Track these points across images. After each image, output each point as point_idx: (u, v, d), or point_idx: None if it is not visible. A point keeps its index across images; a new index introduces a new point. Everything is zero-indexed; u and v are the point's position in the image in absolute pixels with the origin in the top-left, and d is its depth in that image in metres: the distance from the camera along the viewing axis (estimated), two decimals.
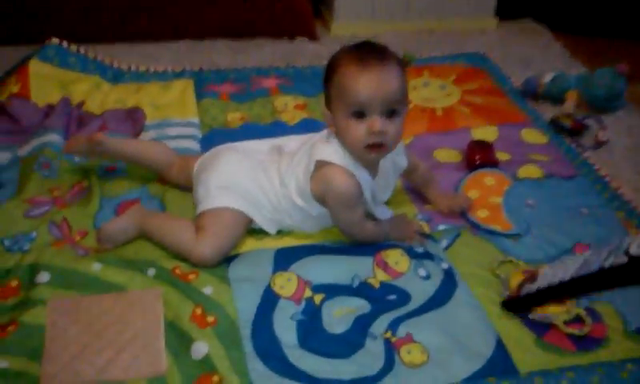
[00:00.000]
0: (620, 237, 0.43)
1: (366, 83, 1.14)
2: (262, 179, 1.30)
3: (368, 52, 1.17)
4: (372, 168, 1.27)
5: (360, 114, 1.16)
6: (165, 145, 1.50)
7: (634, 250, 0.43)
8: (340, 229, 1.30)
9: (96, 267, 1.22)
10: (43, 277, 1.18)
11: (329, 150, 1.23)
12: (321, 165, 1.23)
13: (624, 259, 0.43)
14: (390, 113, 1.17)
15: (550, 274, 0.52)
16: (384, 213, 1.33)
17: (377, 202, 1.31)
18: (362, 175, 1.23)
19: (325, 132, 1.28)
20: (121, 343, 1.10)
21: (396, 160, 1.32)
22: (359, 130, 1.17)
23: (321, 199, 1.25)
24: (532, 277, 0.53)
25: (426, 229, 1.37)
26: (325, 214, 1.28)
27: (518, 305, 0.54)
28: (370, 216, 1.31)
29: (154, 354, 1.08)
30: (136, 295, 1.19)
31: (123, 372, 1.05)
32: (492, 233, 1.36)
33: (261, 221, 1.30)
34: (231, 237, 1.26)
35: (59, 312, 1.14)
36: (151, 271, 1.22)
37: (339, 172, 1.21)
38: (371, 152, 1.20)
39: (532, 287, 0.53)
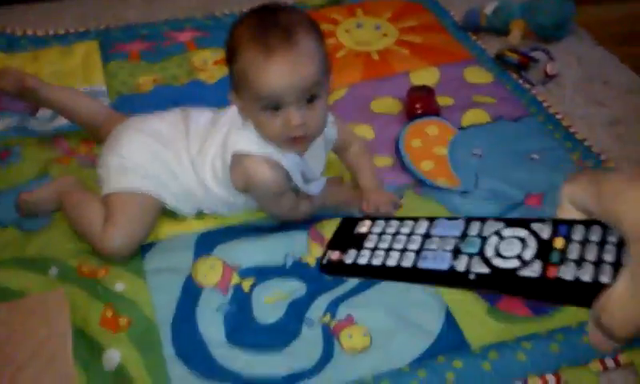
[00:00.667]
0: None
1: (276, 74, 0.95)
2: (170, 161, 1.14)
3: (272, 30, 0.95)
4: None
5: (274, 107, 0.98)
6: (100, 101, 1.36)
7: (493, 258, 0.35)
8: (272, 217, 1.17)
9: None
10: None
11: (245, 139, 1.06)
12: (239, 157, 1.06)
13: (484, 270, 0.35)
14: (310, 98, 0.99)
15: (381, 246, 0.42)
16: (317, 187, 1.18)
17: (309, 180, 1.16)
18: (289, 158, 1.07)
19: (235, 111, 1.10)
20: (22, 360, 0.95)
21: (325, 132, 1.14)
22: (275, 125, 1.00)
23: (245, 191, 1.11)
24: (357, 238, 0.44)
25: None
26: (251, 199, 1.14)
27: (338, 270, 0.45)
28: (303, 194, 1.15)
29: (60, 369, 0.95)
30: (37, 299, 1.04)
31: None
32: (438, 189, 1.25)
33: (174, 204, 1.15)
34: (140, 223, 1.11)
35: None
36: (54, 270, 1.07)
37: (261, 163, 1.05)
38: (294, 145, 1.04)
39: (360, 258, 0.43)
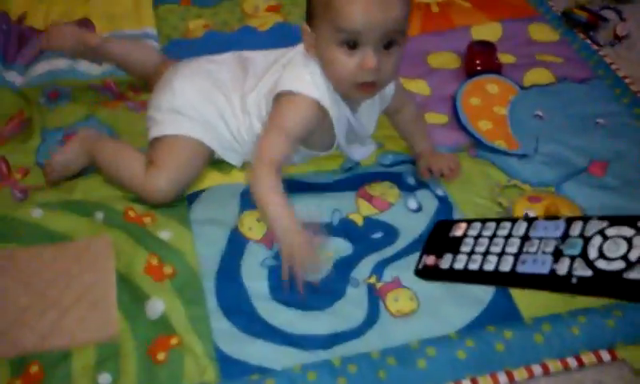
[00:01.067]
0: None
1: (364, 7, 0.89)
2: (221, 104, 1.10)
3: None
4: (355, 102, 1.06)
5: (352, 44, 0.93)
6: (151, 46, 1.35)
7: (597, 260, 0.31)
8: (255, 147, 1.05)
9: (36, 213, 1.06)
10: None
11: (298, 79, 1.00)
12: (284, 96, 1.01)
13: (587, 273, 0.31)
14: (388, 44, 0.94)
15: (479, 250, 0.39)
16: (361, 154, 1.13)
17: (353, 140, 1.10)
18: (342, 111, 1.02)
19: (301, 48, 1.05)
20: (66, 303, 0.95)
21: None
22: (349, 64, 0.94)
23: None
24: (453, 242, 0.42)
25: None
26: (297, 152, 1.09)
27: (434, 275, 0.43)
28: (343, 154, 1.11)
29: (103, 314, 0.94)
30: (82, 245, 1.03)
31: (69, 338, 0.91)
32: (495, 151, 1.19)
33: (222, 152, 1.12)
34: (187, 168, 1.09)
35: None
36: (99, 215, 1.06)
37: (304, 103, 1.00)
38: (361, 91, 0.98)
39: (457, 263, 0.41)
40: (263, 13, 1.53)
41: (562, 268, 0.34)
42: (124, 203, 1.08)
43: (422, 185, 1.13)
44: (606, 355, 0.92)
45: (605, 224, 0.35)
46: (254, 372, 0.88)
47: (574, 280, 0.33)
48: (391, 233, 1.05)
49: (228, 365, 0.88)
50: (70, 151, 1.12)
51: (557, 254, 0.35)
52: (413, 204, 1.09)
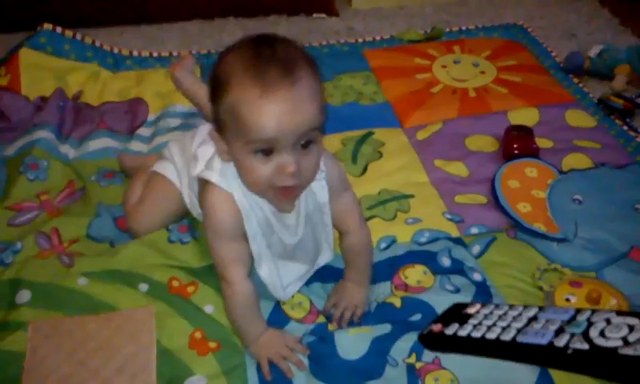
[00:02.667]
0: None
1: (274, 115, 0.81)
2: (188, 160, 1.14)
3: (270, 63, 0.81)
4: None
5: (267, 152, 0.84)
6: None
7: (595, 337, 0.31)
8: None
9: (82, 282, 1.08)
10: (24, 296, 1.05)
11: (213, 162, 0.96)
12: (204, 184, 0.97)
13: (584, 346, 0.31)
14: (306, 143, 0.85)
15: (485, 323, 0.39)
16: (291, 273, 1.06)
17: (286, 253, 1.02)
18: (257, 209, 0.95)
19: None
20: (107, 374, 0.96)
21: (313, 188, 0.97)
22: (265, 171, 0.86)
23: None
24: (463, 317, 0.42)
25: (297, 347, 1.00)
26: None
27: (438, 343, 0.42)
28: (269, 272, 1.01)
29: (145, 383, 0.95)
30: (125, 316, 1.05)
31: None
32: (535, 234, 1.19)
33: (187, 200, 1.17)
34: (160, 208, 1.19)
35: (40, 337, 1.01)
36: (143, 286, 1.08)
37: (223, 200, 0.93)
38: (281, 197, 0.90)
39: (461, 331, 0.40)
40: None
41: (561, 341, 0.35)
42: (168, 273, 1.10)
43: (457, 268, 1.13)
44: None
45: (613, 314, 0.35)
46: None
47: (569, 351, 0.34)
48: (429, 312, 1.05)
49: None
50: (133, 162, 1.35)
51: (559, 331, 0.36)
52: (450, 287, 1.09)
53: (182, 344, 0.99)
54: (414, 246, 1.17)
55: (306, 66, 0.84)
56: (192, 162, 1.07)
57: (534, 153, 1.37)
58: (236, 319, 0.99)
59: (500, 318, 0.41)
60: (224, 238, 0.94)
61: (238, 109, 0.82)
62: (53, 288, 1.07)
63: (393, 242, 1.19)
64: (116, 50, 1.73)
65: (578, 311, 0.36)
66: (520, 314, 0.40)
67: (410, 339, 1.00)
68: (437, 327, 0.43)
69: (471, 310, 0.44)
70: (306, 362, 0.97)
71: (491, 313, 0.42)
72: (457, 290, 1.08)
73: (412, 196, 1.29)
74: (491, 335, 0.40)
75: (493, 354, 0.41)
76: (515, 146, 1.36)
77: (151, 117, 1.51)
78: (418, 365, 0.97)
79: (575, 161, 1.37)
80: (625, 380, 0.33)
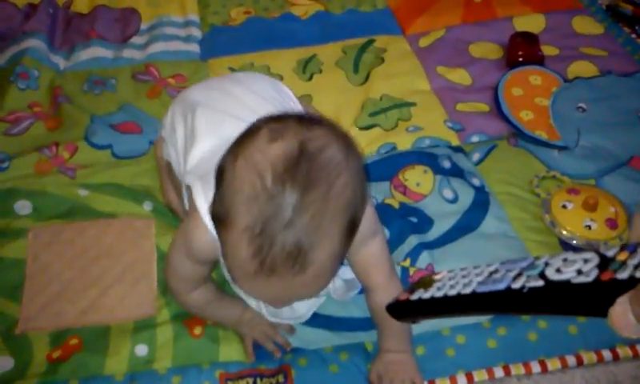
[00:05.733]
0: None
1: (267, 292, 0.66)
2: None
3: (277, 245, 0.60)
4: None
5: None
6: None
7: (551, 274, 0.31)
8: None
9: (83, 193, 1.09)
10: (24, 207, 1.06)
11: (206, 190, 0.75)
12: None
13: (539, 283, 0.31)
14: None
15: (449, 284, 0.39)
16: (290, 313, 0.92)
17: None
18: None
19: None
20: (108, 280, 0.98)
21: None
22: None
23: None
24: (428, 282, 0.42)
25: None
26: None
27: (404, 310, 0.43)
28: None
29: (143, 293, 0.97)
30: (125, 223, 1.06)
31: (108, 314, 0.94)
32: (536, 141, 1.18)
33: None
34: None
35: (41, 244, 1.03)
36: (148, 205, 1.08)
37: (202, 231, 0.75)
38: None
39: (425, 294, 0.41)
40: (305, 1, 1.54)
41: (518, 284, 0.34)
42: None
43: (456, 170, 1.12)
44: (607, 354, 0.90)
45: (570, 253, 0.35)
46: (286, 353, 0.89)
47: (525, 290, 0.33)
48: (425, 221, 1.05)
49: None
50: None
51: (517, 276, 0.35)
52: (448, 193, 1.09)
53: None
54: (415, 150, 1.17)
55: (329, 239, 0.62)
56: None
57: (539, 60, 1.33)
58: (203, 316, 0.90)
59: (463, 277, 0.41)
60: (191, 260, 0.79)
61: (230, 265, 0.65)
62: (54, 198, 1.08)
63: (393, 148, 1.18)
64: None
65: (537, 257, 0.36)
66: (482, 270, 0.40)
67: (407, 243, 1.01)
68: (403, 296, 0.43)
69: (437, 277, 0.44)
70: (291, 341, 0.91)
71: (455, 275, 0.42)
72: (455, 199, 1.08)
73: (414, 104, 1.27)
74: (452, 292, 0.40)
75: (456, 310, 0.41)
76: (520, 53, 1.33)
77: (144, 26, 1.47)
78: (412, 270, 0.98)
79: (581, 68, 1.33)
80: (580, 309, 0.33)
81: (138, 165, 1.14)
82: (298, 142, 0.61)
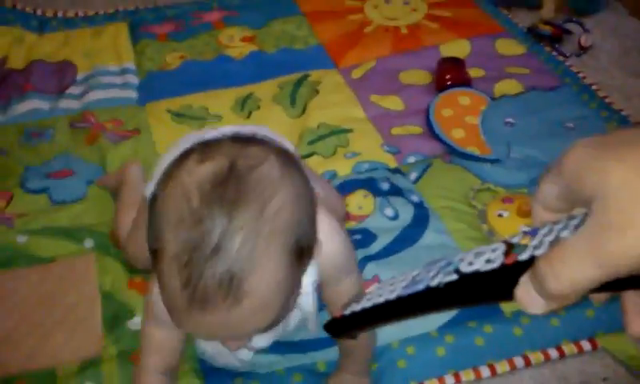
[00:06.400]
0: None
1: (202, 327, 0.58)
2: None
3: (206, 275, 0.53)
4: None
5: None
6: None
7: (464, 267, 0.33)
8: None
9: (21, 239, 1.07)
10: None
11: None
12: None
13: (453, 277, 0.33)
14: None
15: (377, 293, 0.41)
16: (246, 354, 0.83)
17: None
18: None
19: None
20: (50, 324, 0.96)
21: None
22: None
23: None
24: (360, 296, 0.44)
25: None
26: None
27: (341, 326, 0.45)
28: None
29: (87, 333, 0.96)
30: (67, 264, 1.05)
31: (53, 357, 0.92)
32: (469, 157, 1.22)
33: None
34: None
35: None
36: (89, 242, 1.07)
37: None
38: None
39: (356, 307, 0.43)
40: (239, 42, 1.57)
41: (435, 281, 0.36)
42: (110, 226, 1.09)
43: (394, 189, 1.15)
44: (586, 345, 0.93)
45: (482, 247, 0.37)
46: (238, 376, 0.88)
47: (441, 286, 0.35)
48: (369, 236, 1.07)
49: (211, 373, 0.89)
50: (110, 180, 1.16)
51: (435, 275, 0.37)
52: (389, 212, 1.11)
53: (123, 286, 1.00)
54: (354, 176, 1.19)
55: (267, 267, 0.55)
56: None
57: (466, 82, 1.39)
58: None
59: (390, 285, 0.42)
60: (160, 323, 0.72)
61: (164, 301, 0.58)
62: None
63: (334, 176, 1.20)
64: (39, 12, 1.67)
65: (454, 256, 0.38)
66: (406, 276, 0.41)
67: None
68: (337, 313, 0.45)
69: (368, 290, 0.46)
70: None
71: (383, 285, 0.44)
72: (395, 217, 1.10)
73: (350, 130, 1.30)
74: (380, 299, 0.41)
75: (386, 317, 0.42)
76: (448, 76, 1.38)
77: (80, 76, 1.47)
78: None
79: (506, 87, 1.40)
80: (491, 295, 0.34)
81: (76, 207, 1.14)
82: (229, 161, 0.56)
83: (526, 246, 0.33)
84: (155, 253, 0.57)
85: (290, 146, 0.80)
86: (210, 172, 0.55)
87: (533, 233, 0.34)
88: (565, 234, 0.31)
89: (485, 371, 0.91)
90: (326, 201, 0.86)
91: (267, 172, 0.57)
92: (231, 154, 0.57)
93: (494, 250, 0.35)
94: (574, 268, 0.29)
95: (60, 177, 1.20)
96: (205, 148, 0.59)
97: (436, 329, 0.93)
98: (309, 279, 0.70)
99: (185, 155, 0.59)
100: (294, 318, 0.77)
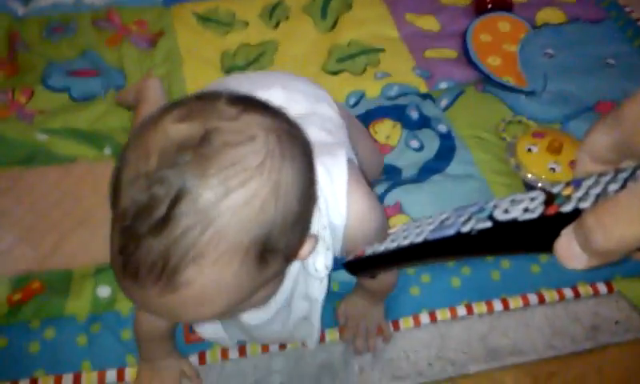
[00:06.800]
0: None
1: (139, 301, 0.51)
2: None
3: (138, 254, 0.47)
4: None
5: None
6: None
7: (498, 215, 0.32)
8: None
9: (41, 137, 1.07)
10: None
11: None
12: None
13: (487, 224, 0.30)
14: None
15: (402, 235, 0.39)
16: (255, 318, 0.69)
17: (242, 329, 0.73)
18: None
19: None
20: (68, 225, 0.96)
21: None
22: None
23: None
24: (383, 237, 0.42)
25: None
26: None
27: (361, 266, 0.43)
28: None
29: (105, 238, 0.94)
30: (86, 167, 1.04)
31: (69, 259, 0.93)
32: (503, 87, 1.17)
33: None
34: None
35: (1, 190, 1.00)
36: (108, 149, 1.06)
37: None
38: None
39: (379, 247, 0.41)
40: None
41: (466, 227, 0.34)
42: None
43: (423, 120, 1.12)
44: (602, 288, 0.92)
45: (518, 194, 0.34)
46: None
47: (473, 233, 0.33)
48: (392, 170, 1.05)
49: None
50: (128, 95, 1.12)
51: (466, 221, 0.35)
52: (415, 143, 1.09)
53: None
54: (383, 101, 1.16)
55: (215, 264, 0.47)
56: None
57: (507, 7, 1.33)
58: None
59: (416, 227, 0.40)
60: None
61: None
62: (12, 143, 1.06)
63: (362, 96, 1.17)
64: None
65: (487, 202, 0.35)
66: (434, 219, 0.39)
67: (381, 186, 1.01)
68: (359, 252, 0.43)
69: (391, 230, 0.43)
70: None
71: (408, 227, 0.41)
72: (420, 148, 1.08)
73: (382, 50, 1.26)
74: (405, 242, 0.39)
75: (409, 259, 0.40)
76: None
77: None
78: None
79: (549, 15, 1.33)
80: (528, 245, 0.32)
81: (95, 108, 1.12)
82: (205, 129, 0.48)
83: (569, 197, 0.30)
84: (111, 203, 0.50)
85: (335, 116, 0.77)
86: (182, 135, 0.47)
87: (576, 184, 0.32)
88: (613, 187, 0.29)
89: (497, 305, 0.90)
90: (365, 161, 0.83)
91: (243, 156, 0.48)
92: (213, 120, 0.49)
93: (532, 199, 0.33)
94: (625, 225, 0.27)
95: (82, 76, 1.18)
96: (193, 105, 0.50)
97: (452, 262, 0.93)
98: (322, 263, 0.63)
99: (172, 106, 0.51)
100: (296, 310, 0.70)
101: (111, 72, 1.20)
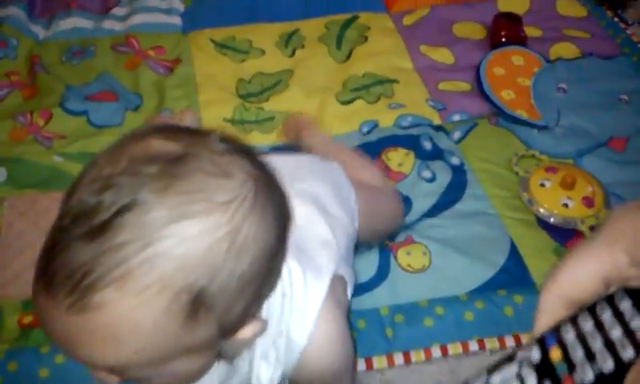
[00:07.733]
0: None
1: (42, 318, 0.46)
2: None
3: (56, 263, 0.43)
4: None
5: None
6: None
7: None
8: None
9: (58, 160, 1.08)
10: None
11: None
12: None
13: None
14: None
15: None
16: None
17: None
18: None
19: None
20: None
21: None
22: None
23: None
24: None
25: None
26: None
27: None
28: None
29: None
30: None
31: None
32: (516, 120, 1.18)
33: None
34: None
35: (16, 213, 1.02)
36: None
37: None
38: None
39: None
40: None
41: None
42: None
43: (436, 152, 1.12)
44: None
45: (484, 377, 0.31)
46: None
47: None
48: (404, 202, 1.05)
49: None
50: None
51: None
52: (427, 173, 1.09)
53: None
54: (396, 130, 1.16)
55: (139, 305, 0.43)
56: None
57: (521, 41, 1.33)
58: None
59: None
60: None
61: None
62: (28, 165, 1.07)
63: (375, 125, 1.17)
64: None
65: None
66: None
67: None
68: None
69: None
70: None
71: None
72: (432, 179, 1.08)
73: (396, 81, 1.27)
74: None
75: None
76: (503, 33, 1.33)
77: None
78: (390, 243, 0.98)
79: (563, 50, 1.34)
80: None
81: (113, 133, 1.13)
82: (186, 151, 0.45)
83: (567, 362, 0.28)
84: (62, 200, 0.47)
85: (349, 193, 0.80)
86: (160, 150, 0.45)
87: (552, 342, 0.29)
88: (616, 333, 0.27)
89: (510, 341, 0.89)
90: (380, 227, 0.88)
91: (212, 187, 0.44)
92: (198, 147, 0.46)
93: (522, 380, 0.29)
94: None
95: (100, 100, 1.19)
96: (187, 131, 0.48)
97: (466, 293, 0.92)
98: (268, 376, 0.55)
99: (167, 127, 0.50)
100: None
101: (128, 95, 1.21)
